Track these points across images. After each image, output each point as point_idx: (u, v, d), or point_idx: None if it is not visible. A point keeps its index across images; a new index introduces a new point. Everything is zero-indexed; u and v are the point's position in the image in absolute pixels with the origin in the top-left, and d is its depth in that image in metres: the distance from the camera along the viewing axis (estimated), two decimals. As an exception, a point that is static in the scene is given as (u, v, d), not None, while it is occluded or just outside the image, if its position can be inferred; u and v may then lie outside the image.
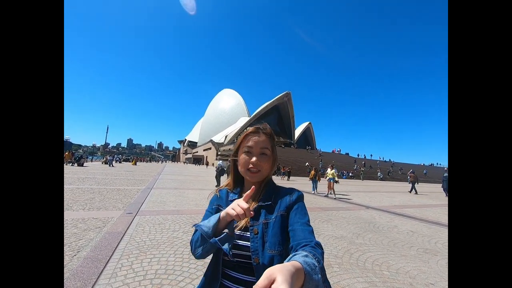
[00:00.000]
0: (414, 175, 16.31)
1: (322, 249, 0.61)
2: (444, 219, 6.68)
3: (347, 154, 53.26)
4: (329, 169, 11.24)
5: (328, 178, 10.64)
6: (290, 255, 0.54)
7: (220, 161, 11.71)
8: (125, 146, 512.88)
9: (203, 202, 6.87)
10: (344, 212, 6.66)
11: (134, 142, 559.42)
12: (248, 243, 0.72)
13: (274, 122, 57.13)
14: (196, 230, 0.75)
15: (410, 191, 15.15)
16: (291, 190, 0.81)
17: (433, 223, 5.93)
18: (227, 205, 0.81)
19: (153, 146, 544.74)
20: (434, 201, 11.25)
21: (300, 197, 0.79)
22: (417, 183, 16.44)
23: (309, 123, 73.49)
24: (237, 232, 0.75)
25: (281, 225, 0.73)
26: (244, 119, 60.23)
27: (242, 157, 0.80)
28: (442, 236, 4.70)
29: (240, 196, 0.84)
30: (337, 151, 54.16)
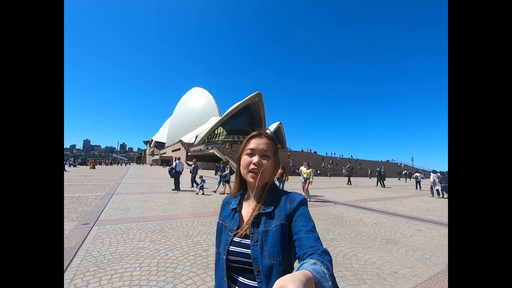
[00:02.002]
0: (350, 169, 20.29)
1: (330, 256, 0.60)
2: (400, 210, 7.41)
3: (315, 152, 55.91)
4: (303, 167, 9.63)
5: (302, 177, 9.20)
6: (299, 265, 0.55)
7: (177, 161, 10.74)
8: (81, 148, 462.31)
9: (172, 206, 6.48)
10: (315, 208, 6.93)
11: (92, 143, 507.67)
12: (248, 251, 0.72)
13: (245, 121, 57.13)
14: None
15: (348, 183, 17.80)
16: (292, 196, 0.79)
17: (392, 215, 6.52)
18: (230, 214, 0.84)
19: (114, 148, 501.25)
20: (391, 194, 12.45)
21: (302, 202, 0.76)
22: (351, 176, 19.96)
23: (280, 123, 75.18)
24: (236, 239, 0.75)
25: (281, 234, 0.71)
26: (215, 119, 58.94)
27: (244, 158, 0.81)
28: (400, 226, 5.18)
29: (240, 203, 0.85)
30: (309, 150, 56.40)
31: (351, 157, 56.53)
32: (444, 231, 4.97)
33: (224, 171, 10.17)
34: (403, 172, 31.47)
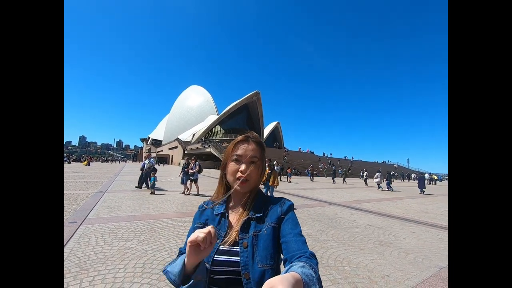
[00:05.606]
0: (313, 168, 23.82)
1: (317, 259, 0.61)
2: (395, 211, 7.40)
3: (312, 152, 55.88)
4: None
5: None
6: (287, 267, 0.55)
7: (152, 159, 9.75)
8: (77, 145, 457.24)
9: (165, 205, 6.37)
10: (310, 209, 6.89)
11: (88, 140, 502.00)
12: (237, 258, 0.68)
13: (243, 120, 56.92)
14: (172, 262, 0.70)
15: (311, 180, 21.08)
16: (281, 200, 0.80)
17: (386, 216, 6.50)
18: (214, 219, 0.79)
19: (111, 145, 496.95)
20: (386, 195, 12.49)
21: (291, 206, 0.78)
22: (315, 175, 23.95)
23: (278, 122, 75.12)
24: (225, 247, 0.71)
25: (273, 237, 0.70)
26: (213, 117, 58.63)
27: (231, 165, 0.78)
28: (394, 228, 5.16)
29: (227, 208, 0.81)
30: (302, 150, 56.34)
31: (347, 157, 56.71)
32: (438, 233, 4.95)
33: (193, 169, 8.80)
34: (391, 173, 32.57)
